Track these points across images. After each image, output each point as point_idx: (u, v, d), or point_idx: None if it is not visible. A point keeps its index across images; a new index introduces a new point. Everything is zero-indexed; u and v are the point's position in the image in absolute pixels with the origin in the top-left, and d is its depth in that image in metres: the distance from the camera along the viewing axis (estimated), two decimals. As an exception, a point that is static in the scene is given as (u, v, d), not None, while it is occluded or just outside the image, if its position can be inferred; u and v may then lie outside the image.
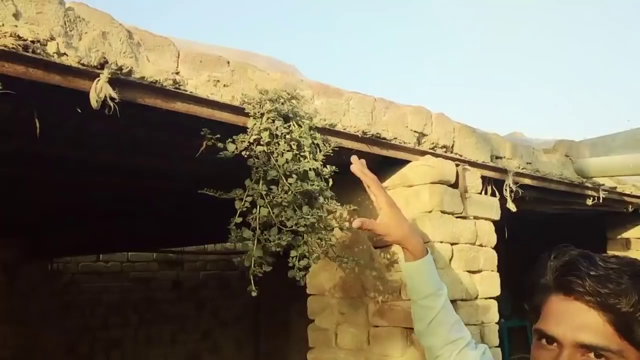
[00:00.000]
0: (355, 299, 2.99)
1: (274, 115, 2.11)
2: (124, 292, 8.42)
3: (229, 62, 2.18)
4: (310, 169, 2.08)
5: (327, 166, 2.14)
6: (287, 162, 2.06)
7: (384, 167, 2.81)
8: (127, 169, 2.96)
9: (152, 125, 2.16)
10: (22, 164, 2.94)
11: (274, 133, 2.08)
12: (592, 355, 0.87)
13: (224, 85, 2.14)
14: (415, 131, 2.81)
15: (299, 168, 2.06)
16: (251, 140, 2.06)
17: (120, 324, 8.35)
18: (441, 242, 2.79)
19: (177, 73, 2.03)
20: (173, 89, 1.95)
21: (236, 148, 2.03)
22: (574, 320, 0.88)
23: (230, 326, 9.34)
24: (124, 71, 1.81)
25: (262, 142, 2.06)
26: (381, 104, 2.66)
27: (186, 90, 2.01)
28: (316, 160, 2.14)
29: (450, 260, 2.85)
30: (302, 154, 2.11)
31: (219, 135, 2.03)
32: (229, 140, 2.05)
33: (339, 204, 2.09)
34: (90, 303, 8.11)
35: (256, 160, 2.03)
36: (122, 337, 8.34)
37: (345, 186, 2.21)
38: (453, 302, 2.88)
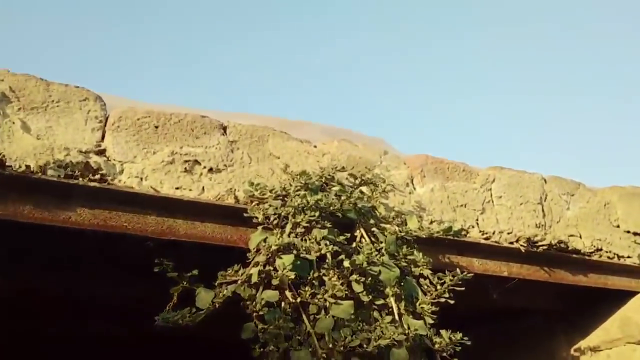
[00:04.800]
0: None
1: (311, 215, 0.94)
2: None
3: (224, 128, 1.09)
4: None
5: (444, 332, 0.90)
6: (348, 333, 0.85)
7: (579, 306, 1.45)
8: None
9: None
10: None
11: (306, 257, 0.90)
12: None
13: (210, 171, 1.03)
14: (635, 233, 1.44)
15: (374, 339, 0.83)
16: (254, 278, 0.89)
17: None
18: None
19: (100, 149, 0.96)
20: (63, 182, 0.87)
21: (214, 298, 0.87)
22: None
23: None
24: None
25: (275, 275, 0.87)
26: (557, 185, 1.37)
27: (107, 180, 0.92)
28: (420, 316, 0.89)
29: None
30: (377, 301, 0.89)
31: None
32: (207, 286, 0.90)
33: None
34: None
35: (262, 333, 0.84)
36: None
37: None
38: None
